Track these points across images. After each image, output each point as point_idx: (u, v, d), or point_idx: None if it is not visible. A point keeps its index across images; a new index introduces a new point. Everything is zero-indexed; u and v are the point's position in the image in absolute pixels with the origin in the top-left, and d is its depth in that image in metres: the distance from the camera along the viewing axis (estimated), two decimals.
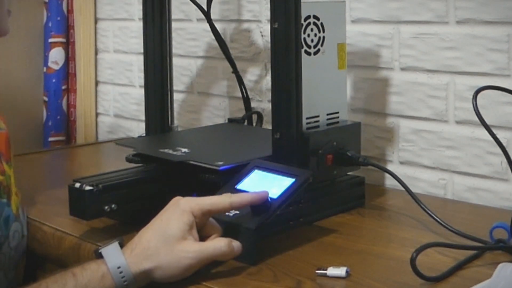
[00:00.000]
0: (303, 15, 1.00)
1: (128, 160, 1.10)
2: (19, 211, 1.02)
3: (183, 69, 1.62)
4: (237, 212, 0.89)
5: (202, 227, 0.86)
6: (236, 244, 0.85)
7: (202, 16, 1.33)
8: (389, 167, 1.24)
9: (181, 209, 0.84)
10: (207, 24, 1.33)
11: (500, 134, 0.95)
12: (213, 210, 0.85)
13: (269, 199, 0.87)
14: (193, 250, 0.82)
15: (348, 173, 1.11)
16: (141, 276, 0.81)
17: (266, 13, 1.42)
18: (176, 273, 0.81)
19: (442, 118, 1.19)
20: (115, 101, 1.83)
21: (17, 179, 1.05)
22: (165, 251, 0.81)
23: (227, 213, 0.89)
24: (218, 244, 0.83)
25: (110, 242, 0.83)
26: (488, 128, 0.88)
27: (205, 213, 0.84)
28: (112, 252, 0.81)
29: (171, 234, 0.82)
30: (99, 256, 0.82)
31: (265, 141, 1.06)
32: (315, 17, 1.03)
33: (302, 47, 1.01)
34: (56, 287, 0.79)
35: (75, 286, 0.79)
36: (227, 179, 0.96)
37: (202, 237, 0.85)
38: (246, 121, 1.35)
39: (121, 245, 0.83)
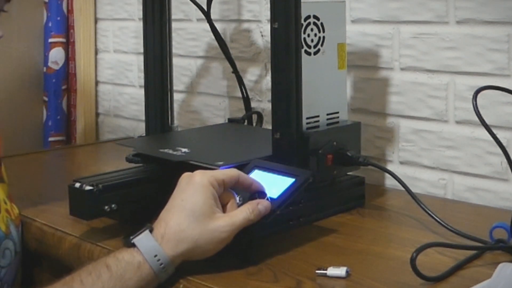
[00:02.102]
0: (303, 15, 1.00)
1: (128, 160, 1.10)
2: (9, 228, 1.01)
3: (183, 69, 1.62)
4: None
5: (219, 197, 0.86)
6: (262, 206, 0.85)
7: (202, 16, 1.33)
8: (389, 167, 1.24)
9: (200, 185, 0.83)
10: (207, 24, 1.33)
11: (500, 134, 0.94)
12: (226, 180, 0.86)
13: (268, 199, 0.87)
14: (226, 224, 0.82)
15: (348, 173, 1.11)
16: (178, 259, 0.82)
17: (266, 13, 1.42)
18: (212, 248, 0.82)
19: (442, 118, 1.19)
20: (115, 101, 1.83)
21: (17, 180, 1.05)
22: (199, 230, 0.81)
23: None
24: (245, 214, 0.84)
25: (140, 230, 0.82)
26: (488, 128, 0.88)
27: (220, 183, 0.85)
28: (145, 241, 0.81)
29: (201, 212, 0.82)
30: (131, 245, 0.81)
31: (265, 141, 1.06)
32: (315, 17, 1.03)
33: (302, 47, 1.01)
34: (91, 280, 0.78)
35: (110, 278, 0.78)
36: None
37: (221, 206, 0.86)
38: (246, 121, 1.35)
39: (151, 231, 0.82)
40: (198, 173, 0.85)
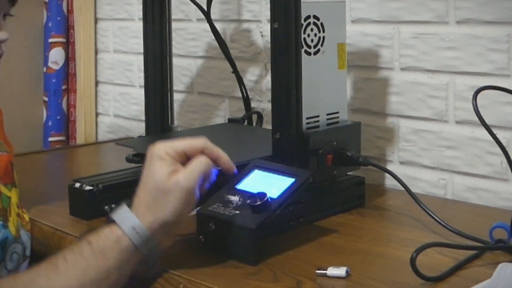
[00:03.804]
0: (303, 15, 1.00)
1: (128, 160, 1.10)
2: (19, 233, 1.01)
3: (183, 69, 1.62)
4: (237, 212, 0.89)
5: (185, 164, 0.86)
6: (216, 148, 0.87)
7: (202, 16, 1.33)
8: (389, 167, 1.24)
9: (157, 156, 0.85)
10: (207, 24, 1.33)
11: (500, 134, 0.95)
12: (187, 151, 0.86)
13: (268, 199, 0.87)
14: (181, 177, 0.83)
15: (348, 173, 1.11)
16: (157, 229, 0.83)
17: (266, 13, 1.42)
18: (181, 204, 0.83)
19: (442, 118, 1.19)
20: (115, 101, 1.83)
21: (18, 181, 1.05)
22: (161, 196, 0.83)
23: (227, 213, 0.89)
24: (199, 160, 0.85)
25: (118, 206, 0.84)
26: (488, 128, 0.88)
27: (180, 153, 0.86)
28: (123, 215, 0.83)
29: (158, 179, 0.83)
30: (111, 221, 0.83)
31: (265, 141, 1.06)
32: (315, 17, 1.03)
33: (302, 47, 1.01)
34: (74, 257, 0.80)
35: (91, 253, 0.80)
36: (227, 179, 0.96)
37: None
38: (246, 121, 1.35)
39: (129, 206, 0.84)
40: (156, 145, 0.87)
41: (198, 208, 0.92)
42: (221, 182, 0.90)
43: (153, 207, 0.83)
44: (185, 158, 0.86)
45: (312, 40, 1.03)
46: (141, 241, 0.82)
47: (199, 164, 0.85)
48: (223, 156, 0.89)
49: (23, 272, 0.94)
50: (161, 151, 0.85)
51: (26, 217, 1.06)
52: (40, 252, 1.07)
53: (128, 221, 0.82)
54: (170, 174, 0.83)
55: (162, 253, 0.87)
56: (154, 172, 0.84)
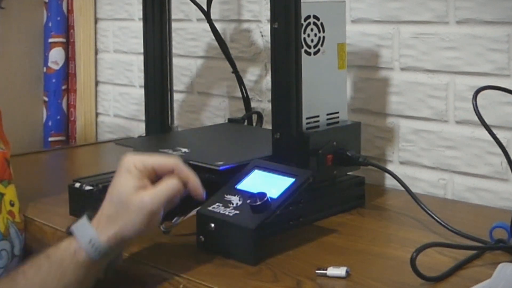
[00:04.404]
0: (303, 15, 1.00)
1: None
2: (9, 230, 1.01)
3: (183, 69, 1.62)
4: (237, 212, 0.89)
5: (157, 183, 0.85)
6: (189, 172, 0.85)
7: (202, 16, 1.33)
8: (389, 167, 1.24)
9: (124, 167, 0.84)
10: (207, 24, 1.33)
11: (500, 134, 0.95)
12: (157, 168, 0.84)
13: (268, 199, 0.87)
14: (146, 196, 0.81)
15: (348, 173, 1.11)
16: (113, 242, 0.81)
17: (266, 13, 1.42)
18: (141, 225, 0.81)
19: (442, 118, 1.19)
20: (115, 101, 1.83)
21: (17, 180, 1.05)
22: (123, 209, 0.81)
23: (226, 213, 0.89)
24: (170, 182, 0.83)
25: (79, 218, 0.84)
26: (488, 128, 0.88)
27: (148, 168, 0.84)
28: (81, 227, 0.82)
29: (122, 192, 0.82)
30: (71, 233, 0.82)
31: (265, 141, 1.06)
32: (315, 17, 1.03)
33: (302, 47, 1.01)
34: (33, 271, 0.80)
35: (49, 267, 0.80)
36: (227, 179, 0.96)
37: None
38: (246, 121, 1.35)
39: (90, 218, 0.83)
40: (125, 156, 0.85)
41: (198, 208, 0.92)
42: (188, 203, 0.88)
43: (113, 221, 0.82)
44: (153, 175, 0.85)
45: (312, 40, 1.03)
46: (97, 255, 0.81)
47: (168, 187, 0.83)
48: (193, 179, 0.86)
49: None
50: (130, 164, 0.84)
51: (18, 216, 1.05)
52: (40, 252, 1.07)
53: (86, 234, 0.81)
54: (137, 190, 0.82)
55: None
56: (119, 185, 0.83)
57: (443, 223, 0.96)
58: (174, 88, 1.30)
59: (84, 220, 0.83)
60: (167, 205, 0.84)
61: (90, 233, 0.81)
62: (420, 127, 1.21)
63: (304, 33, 1.01)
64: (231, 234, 0.88)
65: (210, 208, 0.91)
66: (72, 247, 0.81)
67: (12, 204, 1.04)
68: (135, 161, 0.84)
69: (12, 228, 1.02)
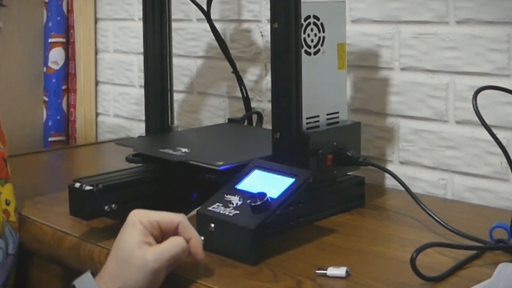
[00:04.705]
0: (303, 15, 1.00)
1: (128, 160, 1.10)
2: (4, 229, 1.01)
3: (183, 69, 1.62)
4: (237, 212, 0.89)
5: (163, 241, 0.84)
6: (195, 240, 0.83)
7: (202, 16, 1.33)
8: (389, 167, 1.24)
9: (130, 223, 0.83)
10: (207, 24, 1.33)
11: (500, 134, 0.95)
12: (162, 224, 0.84)
13: (268, 199, 0.87)
14: (150, 254, 0.80)
15: (348, 173, 1.11)
16: None
17: (266, 13, 1.42)
18: (145, 282, 0.80)
19: (442, 118, 1.19)
20: (115, 101, 1.83)
21: (17, 180, 1.05)
22: (126, 267, 0.80)
23: (226, 213, 0.89)
24: (175, 241, 0.82)
25: (82, 273, 0.83)
26: (488, 128, 0.88)
27: (154, 224, 0.83)
28: (84, 283, 0.82)
29: (126, 249, 0.81)
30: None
31: (265, 141, 1.06)
32: (315, 17, 1.03)
33: (302, 47, 1.01)
34: None
35: None
36: (227, 179, 0.96)
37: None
38: (246, 121, 1.35)
39: (94, 275, 0.82)
40: (133, 212, 0.85)
41: (198, 208, 0.92)
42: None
43: (116, 277, 0.81)
44: (158, 231, 0.84)
45: (312, 40, 1.03)
46: None
47: (173, 245, 0.82)
48: (196, 239, 0.84)
49: None
50: (135, 218, 0.83)
51: (14, 215, 1.05)
52: (40, 252, 1.07)
53: None
54: (140, 245, 0.81)
55: None
56: (123, 240, 0.82)
57: (443, 223, 0.96)
58: (174, 88, 1.30)
59: (87, 275, 0.82)
60: (172, 264, 0.83)
61: None
62: (420, 127, 1.21)
63: (304, 33, 1.01)
64: (231, 234, 0.88)
65: (210, 208, 0.91)
66: None
67: (7, 203, 1.04)
68: (140, 217, 0.83)
69: (7, 227, 1.02)
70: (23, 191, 1.17)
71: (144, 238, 0.82)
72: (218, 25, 1.37)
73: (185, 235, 0.84)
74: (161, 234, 0.84)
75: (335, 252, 0.92)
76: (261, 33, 1.45)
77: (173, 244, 0.82)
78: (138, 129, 1.73)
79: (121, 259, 0.81)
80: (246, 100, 1.37)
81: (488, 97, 1.10)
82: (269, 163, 0.96)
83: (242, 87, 1.37)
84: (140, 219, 0.83)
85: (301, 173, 0.92)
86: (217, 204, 0.91)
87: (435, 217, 0.97)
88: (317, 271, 0.83)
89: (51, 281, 1.11)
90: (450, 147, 1.18)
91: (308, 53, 1.03)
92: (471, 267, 0.85)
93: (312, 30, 1.03)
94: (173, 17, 1.28)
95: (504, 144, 0.93)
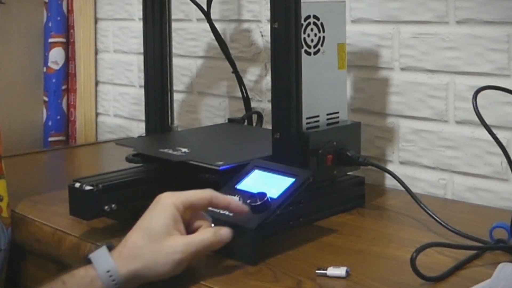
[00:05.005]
0: (303, 15, 1.00)
1: (128, 160, 1.10)
2: None
3: (183, 69, 1.62)
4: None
5: (190, 222, 0.85)
6: (224, 231, 0.84)
7: (202, 16, 1.33)
8: (389, 167, 1.24)
9: (163, 205, 0.82)
10: (207, 24, 1.33)
11: (500, 134, 0.95)
12: (195, 202, 0.84)
13: (268, 199, 0.87)
14: (180, 244, 0.80)
15: (348, 173, 1.11)
16: (131, 277, 0.80)
17: (266, 13, 1.42)
18: (166, 270, 0.80)
19: (442, 118, 1.19)
20: (115, 101, 1.83)
21: (17, 180, 1.05)
22: (151, 249, 0.80)
23: (227, 213, 0.89)
24: (205, 235, 0.83)
25: (98, 246, 0.82)
26: (488, 128, 0.88)
27: (187, 206, 0.83)
28: (100, 256, 0.80)
29: (156, 231, 0.81)
30: (88, 261, 0.81)
31: (265, 141, 1.06)
32: (315, 17, 1.03)
33: (302, 47, 1.01)
34: None
35: None
36: (227, 179, 0.96)
37: (191, 232, 0.84)
38: (246, 121, 1.35)
39: (110, 249, 0.81)
40: (164, 194, 0.84)
41: None
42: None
43: (138, 256, 0.80)
44: (190, 212, 0.84)
45: (312, 40, 1.03)
46: (113, 286, 0.79)
47: (203, 239, 0.82)
48: (233, 202, 0.86)
49: None
50: (168, 201, 0.83)
51: (6, 211, 1.05)
52: (40, 252, 1.07)
53: (105, 264, 0.79)
54: (171, 232, 0.81)
55: None
56: (154, 221, 0.81)
57: (443, 223, 0.96)
58: (174, 88, 1.30)
59: (103, 249, 0.81)
60: (196, 257, 0.83)
61: (109, 264, 0.79)
62: (420, 127, 1.21)
63: (304, 33, 1.01)
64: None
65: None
66: (89, 275, 0.79)
67: (0, 199, 1.04)
68: (172, 199, 0.83)
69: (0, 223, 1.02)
70: (23, 191, 1.17)
71: (175, 224, 0.81)
72: (218, 25, 1.37)
73: (221, 206, 0.85)
74: (191, 215, 0.84)
75: (335, 252, 0.92)
76: (261, 33, 1.45)
77: (203, 238, 0.82)
78: (138, 129, 1.73)
79: (147, 240, 0.80)
80: (246, 100, 1.37)
81: (488, 97, 1.10)
82: (269, 163, 0.96)
83: (242, 87, 1.37)
84: (173, 202, 0.82)
85: (301, 173, 0.92)
86: None
87: (435, 217, 0.97)
88: (317, 271, 0.83)
89: (44, 277, 1.11)
90: (450, 147, 1.18)
91: (308, 53, 1.03)
92: (471, 267, 0.85)
93: (312, 30, 1.03)
94: (173, 17, 1.28)
95: (504, 144, 0.93)
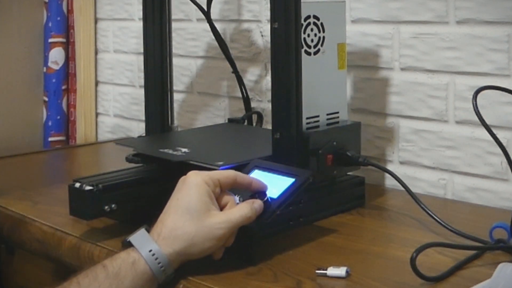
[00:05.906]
0: (303, 15, 1.00)
1: (128, 160, 1.10)
2: None
3: (183, 69, 1.62)
4: None
5: (217, 199, 0.86)
6: (258, 204, 0.85)
7: (202, 16, 1.33)
8: (389, 167, 1.24)
9: (194, 183, 0.83)
10: (207, 24, 1.33)
11: (500, 134, 0.95)
12: (222, 180, 0.85)
13: (268, 199, 0.87)
14: (222, 220, 0.82)
15: (348, 173, 1.11)
16: (175, 257, 0.81)
17: (266, 13, 1.42)
18: (210, 245, 0.82)
19: (442, 118, 1.19)
20: (115, 101, 1.83)
21: (17, 180, 1.05)
22: (195, 227, 0.81)
23: None
24: (243, 211, 0.84)
25: (136, 230, 0.82)
26: (488, 128, 0.88)
27: (216, 183, 0.85)
28: (141, 239, 0.81)
29: (195, 209, 0.81)
30: (128, 245, 0.81)
31: (265, 141, 1.06)
32: (315, 17, 1.03)
33: (302, 47, 1.01)
34: (87, 281, 0.78)
35: (106, 277, 0.78)
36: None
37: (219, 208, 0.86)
38: (246, 121, 1.35)
39: (148, 231, 0.82)
40: (192, 173, 0.85)
41: None
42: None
43: (181, 236, 0.81)
44: (219, 188, 0.85)
45: (312, 40, 1.03)
46: (158, 268, 0.79)
47: (241, 216, 0.83)
48: (255, 180, 0.88)
49: None
50: (198, 179, 0.84)
51: None
52: (40, 252, 1.07)
53: (146, 244, 0.80)
54: (209, 208, 0.82)
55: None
56: (190, 199, 0.82)
57: (443, 223, 0.96)
58: (174, 88, 1.30)
59: (142, 231, 0.81)
60: (233, 233, 0.84)
61: (151, 245, 0.80)
62: (420, 127, 1.21)
63: (304, 33, 1.01)
64: None
65: None
66: (131, 257, 0.79)
67: None
68: (203, 176, 0.84)
69: None
70: (23, 191, 1.17)
71: (211, 200, 0.83)
72: (218, 25, 1.37)
73: (245, 184, 0.87)
74: (218, 193, 0.85)
75: (335, 252, 0.92)
76: (261, 33, 1.45)
77: (241, 214, 0.83)
78: (138, 129, 1.73)
79: (188, 219, 0.81)
80: (246, 100, 1.37)
81: (488, 97, 1.10)
82: (269, 163, 0.96)
83: (242, 87, 1.37)
84: (204, 179, 0.84)
85: (301, 173, 0.92)
86: None
87: (435, 217, 0.97)
88: (317, 271, 0.83)
89: (35, 273, 1.11)
90: (450, 147, 1.18)
91: (308, 53, 1.03)
92: (471, 267, 0.85)
93: (312, 30, 1.03)
94: (173, 17, 1.28)
95: (504, 144, 0.93)
